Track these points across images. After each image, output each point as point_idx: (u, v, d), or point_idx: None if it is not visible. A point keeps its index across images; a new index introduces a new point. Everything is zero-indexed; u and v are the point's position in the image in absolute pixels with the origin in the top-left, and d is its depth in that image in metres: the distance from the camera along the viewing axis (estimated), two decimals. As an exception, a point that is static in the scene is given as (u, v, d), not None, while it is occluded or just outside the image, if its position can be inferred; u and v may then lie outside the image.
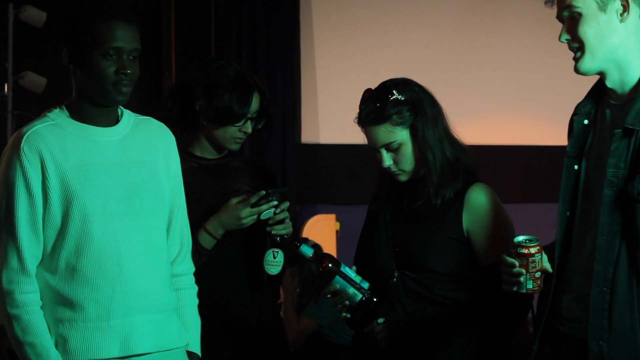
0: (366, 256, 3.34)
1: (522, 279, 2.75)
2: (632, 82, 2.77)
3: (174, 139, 3.04)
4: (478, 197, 3.21)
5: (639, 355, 2.69)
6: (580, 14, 2.74)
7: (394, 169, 3.23)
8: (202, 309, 3.09)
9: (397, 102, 3.20)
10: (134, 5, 5.11)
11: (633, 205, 2.67)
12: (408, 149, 3.22)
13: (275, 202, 3.41)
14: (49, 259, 2.82)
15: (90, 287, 2.80)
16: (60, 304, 2.80)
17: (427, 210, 3.23)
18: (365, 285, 3.20)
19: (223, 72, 3.49)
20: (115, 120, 2.92)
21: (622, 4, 2.74)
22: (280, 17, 7.31)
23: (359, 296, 3.20)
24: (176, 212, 3.00)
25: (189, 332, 2.99)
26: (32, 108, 6.43)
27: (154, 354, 2.87)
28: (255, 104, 3.50)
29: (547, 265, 2.80)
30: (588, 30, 2.73)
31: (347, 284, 3.20)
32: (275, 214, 3.41)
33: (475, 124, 7.39)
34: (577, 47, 2.77)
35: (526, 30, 7.40)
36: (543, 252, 2.78)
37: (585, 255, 2.78)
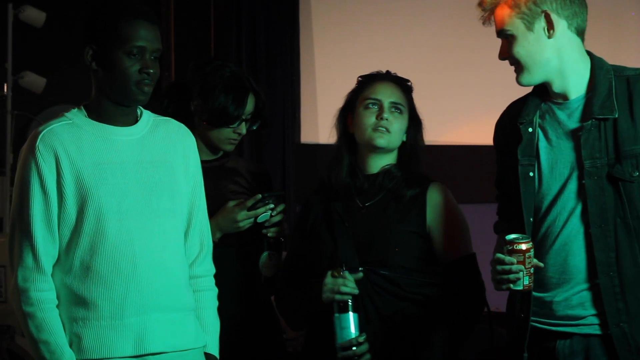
0: (315, 252, 3.33)
1: (520, 275, 2.80)
2: (578, 85, 2.92)
3: (194, 139, 3.05)
4: (440, 195, 3.29)
5: None
6: (512, 36, 2.91)
7: (387, 125, 3.29)
8: None
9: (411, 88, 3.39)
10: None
11: (625, 186, 2.80)
12: (404, 125, 3.32)
13: (272, 205, 3.42)
14: (64, 258, 2.82)
15: (104, 285, 2.80)
16: (75, 302, 2.81)
17: (386, 206, 3.27)
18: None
19: (219, 73, 3.50)
20: (134, 120, 2.94)
21: (546, 22, 2.88)
22: (280, 18, 7.31)
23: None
24: (196, 213, 3.01)
25: (208, 333, 2.99)
26: (31, 108, 6.45)
27: (170, 354, 2.87)
28: (250, 106, 3.51)
29: (537, 261, 2.86)
30: (520, 50, 2.92)
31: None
32: (271, 216, 3.42)
33: (473, 124, 7.39)
34: (514, 64, 2.95)
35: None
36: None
37: (562, 256, 2.88)
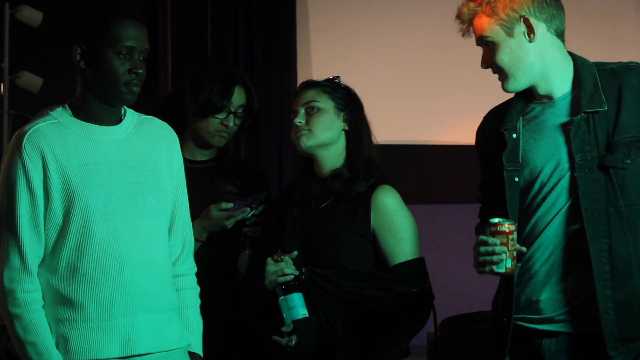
0: (264, 255, 3.35)
1: (503, 256, 2.82)
2: (562, 84, 2.96)
3: (176, 138, 3.04)
4: (385, 198, 3.30)
5: None
6: (493, 43, 2.94)
7: (302, 126, 3.34)
8: None
9: (338, 84, 3.45)
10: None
11: (616, 174, 2.85)
12: (326, 118, 3.34)
13: (249, 209, 3.43)
14: (50, 258, 2.81)
15: (91, 286, 2.79)
16: (61, 303, 2.80)
17: (335, 208, 3.30)
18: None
19: (210, 69, 3.50)
20: (118, 120, 2.93)
21: (526, 26, 2.92)
22: (277, 17, 7.30)
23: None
24: (178, 212, 3.00)
25: (191, 332, 2.99)
26: (28, 108, 6.43)
27: (155, 354, 2.87)
28: (238, 97, 3.51)
29: (520, 246, 2.88)
30: (503, 57, 2.94)
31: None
32: (253, 215, 3.43)
33: (470, 124, 7.39)
34: (498, 72, 2.97)
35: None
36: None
37: (550, 250, 2.90)
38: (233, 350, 3.50)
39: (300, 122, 3.34)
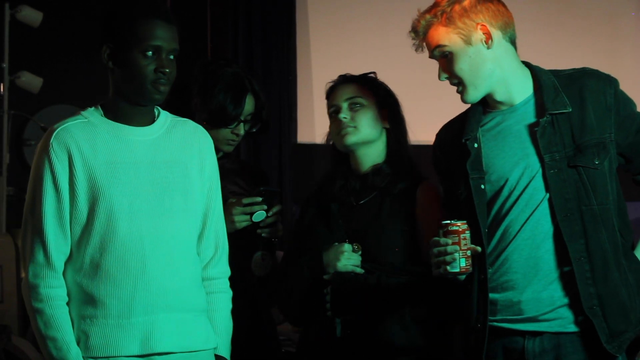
0: (313, 247, 3.35)
1: (456, 255, 2.85)
2: (522, 89, 2.99)
3: (211, 141, 3.05)
4: (428, 194, 3.29)
5: (626, 310, 2.90)
6: (451, 53, 2.96)
7: (348, 123, 3.32)
8: None
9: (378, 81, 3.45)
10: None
11: (587, 174, 2.88)
12: (370, 115, 3.34)
13: (265, 206, 3.42)
14: (75, 255, 2.83)
15: (112, 284, 2.81)
16: (84, 300, 2.82)
17: (378, 204, 3.30)
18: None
19: (220, 72, 3.49)
20: (150, 120, 2.94)
21: (483, 33, 2.94)
22: (277, 17, 7.31)
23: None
24: (211, 215, 3.00)
25: (219, 336, 2.98)
26: (28, 108, 6.44)
27: (178, 354, 2.87)
28: (249, 106, 3.51)
29: (474, 246, 2.89)
30: (463, 66, 2.96)
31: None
32: (267, 216, 3.42)
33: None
34: (457, 82, 2.98)
35: (519, 31, 7.40)
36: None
37: (527, 251, 2.91)
38: (247, 348, 3.51)
39: (345, 118, 3.33)
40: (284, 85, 7.41)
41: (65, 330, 2.80)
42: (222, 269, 3.05)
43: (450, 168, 3.06)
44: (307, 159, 7.69)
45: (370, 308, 3.20)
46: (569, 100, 2.93)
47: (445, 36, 2.96)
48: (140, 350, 2.82)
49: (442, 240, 2.86)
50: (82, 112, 2.91)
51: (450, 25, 2.95)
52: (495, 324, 2.95)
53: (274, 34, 7.35)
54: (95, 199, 2.81)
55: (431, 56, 3.02)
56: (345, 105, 3.34)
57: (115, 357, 2.81)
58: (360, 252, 3.24)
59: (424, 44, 3.02)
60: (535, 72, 3.02)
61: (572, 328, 2.90)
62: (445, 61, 2.98)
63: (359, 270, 3.22)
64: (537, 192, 2.91)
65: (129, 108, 2.89)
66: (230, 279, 3.39)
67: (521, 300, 2.92)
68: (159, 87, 2.85)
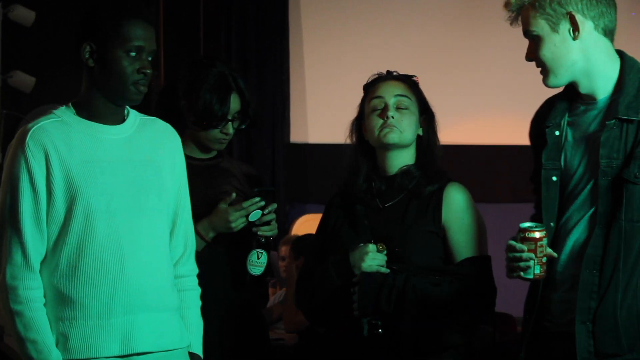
0: (338, 249, 3.32)
1: (531, 263, 2.80)
2: (605, 85, 2.90)
3: (179, 139, 3.05)
4: (456, 195, 3.28)
5: (618, 332, 2.80)
6: (537, 37, 2.90)
7: (394, 122, 3.29)
8: None
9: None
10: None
11: (627, 188, 2.79)
12: (413, 120, 3.31)
13: (263, 203, 3.42)
14: (51, 256, 2.81)
15: (91, 284, 2.79)
16: (61, 301, 2.80)
17: (405, 206, 3.28)
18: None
19: (204, 73, 3.50)
20: (121, 119, 2.93)
21: (571, 23, 2.87)
22: (270, 17, 7.32)
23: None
24: (181, 213, 3.00)
25: (191, 333, 2.98)
26: (20, 107, 6.43)
27: (155, 354, 2.86)
28: (235, 105, 3.50)
29: (551, 251, 2.85)
30: (546, 53, 2.90)
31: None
32: (263, 215, 3.43)
33: (465, 124, 7.40)
34: (540, 66, 2.93)
35: (517, 31, 7.41)
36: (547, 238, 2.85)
37: (571, 256, 2.87)
38: (241, 348, 3.51)
39: (393, 117, 3.28)
40: (276, 85, 7.42)
41: (45, 332, 2.78)
42: (191, 267, 3.05)
43: (537, 148, 3.01)
44: (300, 158, 7.70)
45: (397, 308, 3.18)
46: None
47: (533, 20, 2.89)
48: (120, 350, 2.81)
49: (518, 246, 2.81)
50: (55, 111, 2.89)
51: (539, 9, 2.88)
52: (537, 321, 2.94)
53: (267, 34, 7.36)
54: (72, 199, 2.79)
55: (524, 36, 2.96)
56: (393, 102, 3.29)
57: (95, 358, 2.80)
58: (385, 252, 3.21)
59: (518, 19, 2.96)
60: (625, 67, 2.90)
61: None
62: (533, 44, 2.93)
63: (384, 270, 3.19)
64: (589, 198, 2.86)
65: (104, 107, 2.88)
66: (225, 278, 3.39)
67: (552, 300, 2.91)
68: (140, 87, 2.85)
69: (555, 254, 2.86)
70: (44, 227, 2.80)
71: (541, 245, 2.80)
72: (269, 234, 3.45)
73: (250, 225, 3.43)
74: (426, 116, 3.37)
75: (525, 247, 2.80)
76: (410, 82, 3.37)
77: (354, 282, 3.20)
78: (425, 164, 3.33)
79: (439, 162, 3.36)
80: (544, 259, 2.81)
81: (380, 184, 3.33)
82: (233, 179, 3.59)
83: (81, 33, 2.86)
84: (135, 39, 2.82)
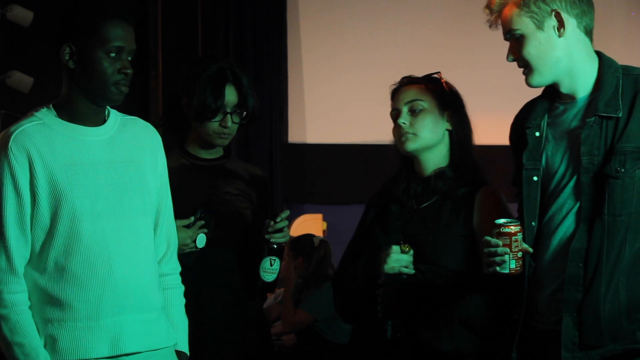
0: (370, 248, 3.32)
1: (506, 257, 2.83)
2: (585, 84, 2.93)
3: (160, 138, 3.05)
4: (488, 199, 3.26)
5: (600, 324, 2.82)
6: (522, 35, 2.91)
7: (407, 129, 3.28)
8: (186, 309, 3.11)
9: (440, 81, 3.39)
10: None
11: (608, 182, 2.82)
12: (430, 119, 3.29)
13: (203, 222, 3.40)
14: (38, 259, 2.81)
15: (79, 286, 2.80)
16: (49, 303, 2.80)
17: (438, 208, 3.27)
18: None
19: (201, 69, 3.50)
20: (102, 120, 2.93)
21: (557, 20, 2.89)
22: (268, 17, 7.32)
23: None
24: (163, 212, 3.01)
25: (177, 331, 3.00)
26: (18, 107, 6.41)
27: (143, 354, 2.87)
28: (231, 97, 3.50)
29: (527, 246, 2.88)
30: (531, 51, 2.92)
31: None
32: (276, 222, 3.42)
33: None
34: (523, 65, 2.94)
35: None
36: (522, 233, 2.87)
37: (557, 252, 2.90)
38: (251, 351, 3.51)
39: (404, 123, 3.28)
40: (274, 85, 7.42)
41: (32, 335, 2.78)
42: (174, 265, 3.06)
43: (515, 150, 3.04)
44: (298, 158, 7.70)
45: (420, 311, 3.18)
46: (624, 103, 2.87)
47: (518, 19, 2.91)
48: (110, 351, 2.83)
49: (493, 241, 2.84)
50: (36, 114, 2.90)
51: (524, 7, 2.90)
52: (526, 320, 2.96)
53: (265, 34, 7.36)
54: (57, 202, 2.79)
55: (505, 38, 2.98)
56: (405, 109, 3.30)
57: (85, 359, 2.80)
58: (411, 253, 3.19)
59: (498, 22, 2.97)
60: (604, 67, 2.94)
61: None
62: (516, 43, 2.94)
63: (408, 270, 3.18)
64: (572, 195, 2.88)
65: (85, 108, 2.89)
66: (236, 285, 3.39)
67: (539, 299, 2.93)
68: (121, 87, 2.85)
69: (531, 249, 2.88)
70: (28, 231, 2.80)
71: (516, 240, 2.83)
72: (281, 240, 3.45)
73: (263, 232, 3.44)
74: (452, 109, 3.35)
75: (500, 242, 2.83)
76: (425, 82, 3.36)
77: (379, 283, 3.20)
78: (459, 163, 3.31)
79: (473, 155, 3.35)
80: (519, 254, 2.84)
81: (417, 185, 3.33)
82: (238, 181, 3.58)
83: (61, 34, 2.86)
84: (115, 40, 2.83)
